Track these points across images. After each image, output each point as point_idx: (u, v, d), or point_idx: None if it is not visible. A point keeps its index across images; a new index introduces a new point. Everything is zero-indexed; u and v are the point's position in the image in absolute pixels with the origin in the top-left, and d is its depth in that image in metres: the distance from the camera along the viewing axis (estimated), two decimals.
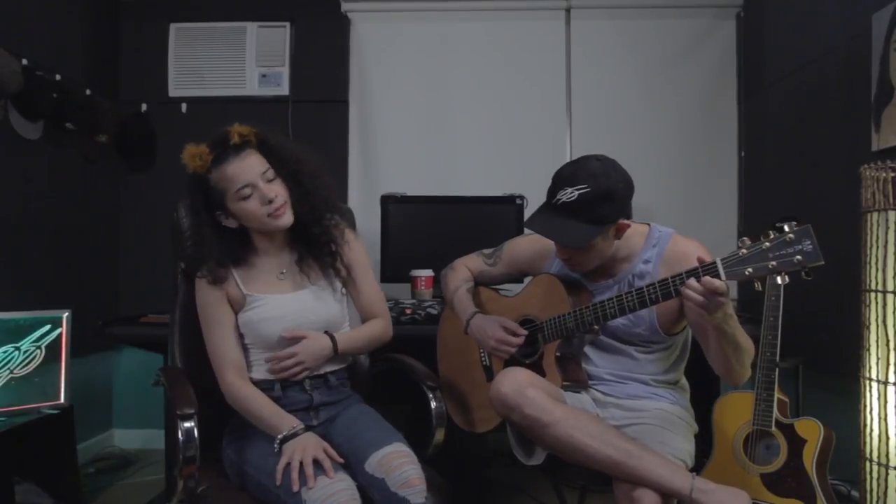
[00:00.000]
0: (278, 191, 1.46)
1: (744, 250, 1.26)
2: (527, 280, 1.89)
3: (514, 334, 1.64)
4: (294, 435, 1.33)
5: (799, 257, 1.20)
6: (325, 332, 1.52)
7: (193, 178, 1.46)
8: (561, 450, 1.41)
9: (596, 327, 1.54)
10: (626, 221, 1.51)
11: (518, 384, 1.43)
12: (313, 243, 1.55)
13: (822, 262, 1.18)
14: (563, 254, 1.56)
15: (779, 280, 1.25)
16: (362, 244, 1.66)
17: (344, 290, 1.62)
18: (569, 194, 1.44)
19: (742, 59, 3.05)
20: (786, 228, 1.22)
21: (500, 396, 1.44)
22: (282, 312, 1.49)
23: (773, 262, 1.22)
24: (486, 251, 1.88)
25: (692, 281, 1.29)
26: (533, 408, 1.40)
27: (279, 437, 1.33)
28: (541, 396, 1.42)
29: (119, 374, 3.18)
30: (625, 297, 1.45)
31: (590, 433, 1.38)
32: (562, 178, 1.49)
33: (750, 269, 1.25)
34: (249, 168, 1.44)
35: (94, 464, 2.81)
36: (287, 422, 1.37)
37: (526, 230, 1.58)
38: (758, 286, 1.28)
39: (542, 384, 1.48)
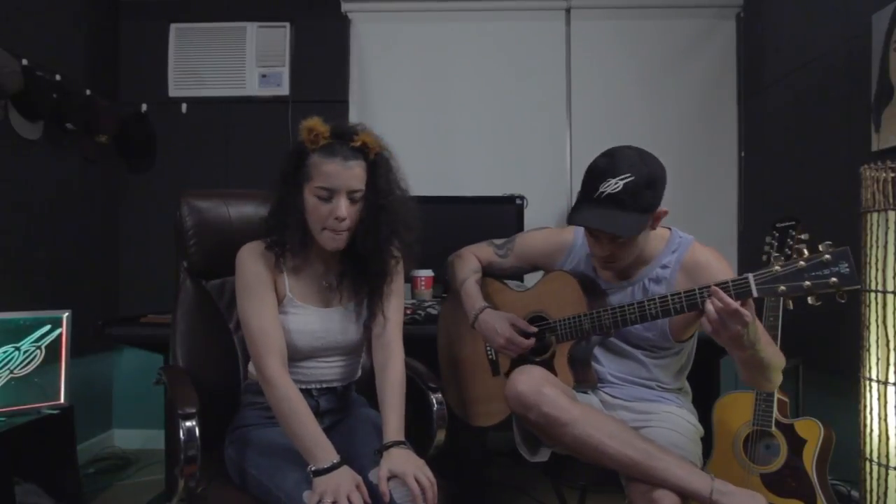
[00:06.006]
0: (351, 215, 1.39)
1: (777, 267, 1.23)
2: (527, 275, 1.88)
3: (524, 334, 1.62)
4: (329, 469, 1.26)
5: (835, 279, 1.18)
6: (401, 443, 1.36)
7: (297, 145, 1.41)
8: (579, 449, 1.39)
9: (612, 331, 1.52)
10: (664, 209, 1.48)
11: (535, 382, 1.42)
12: (365, 271, 1.49)
13: (859, 286, 1.16)
14: (603, 251, 1.49)
15: (810, 301, 1.22)
16: (402, 277, 1.57)
17: (367, 321, 1.55)
18: (613, 185, 1.40)
19: (742, 59, 3.05)
20: (821, 248, 1.20)
21: (516, 394, 1.42)
22: (315, 328, 1.46)
23: (808, 283, 1.20)
24: (497, 241, 1.84)
25: (716, 299, 1.25)
26: (551, 406, 1.38)
27: (312, 468, 1.28)
28: (558, 395, 1.40)
29: (119, 374, 3.18)
30: (647, 305, 1.42)
31: (608, 433, 1.37)
32: (600, 171, 1.43)
33: (783, 287, 1.22)
34: (346, 177, 1.37)
35: (94, 464, 2.81)
36: (325, 453, 1.29)
37: (542, 224, 1.54)
38: (790, 305, 1.25)
39: (557, 383, 1.47)
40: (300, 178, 1.40)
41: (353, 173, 1.38)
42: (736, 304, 1.24)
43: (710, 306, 1.27)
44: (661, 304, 1.40)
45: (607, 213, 1.41)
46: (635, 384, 1.59)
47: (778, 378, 1.45)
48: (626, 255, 1.50)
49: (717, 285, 1.29)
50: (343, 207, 1.38)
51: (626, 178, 1.40)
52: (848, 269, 1.17)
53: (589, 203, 1.44)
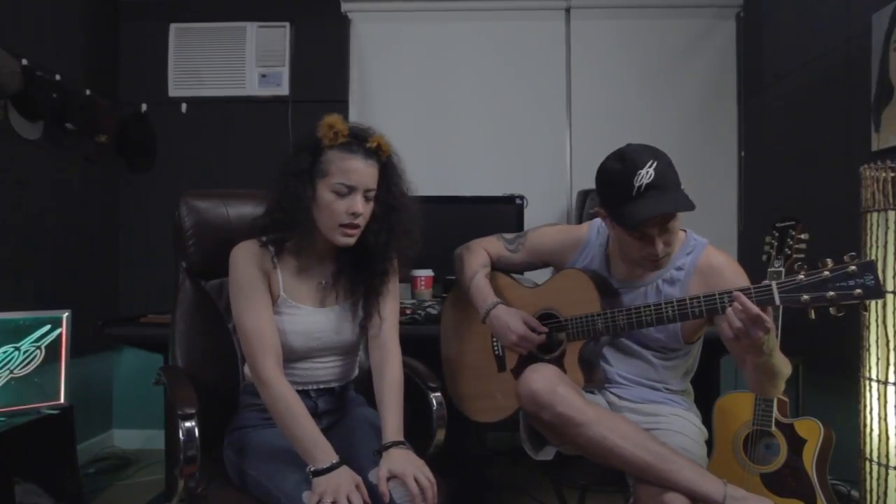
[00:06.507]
0: (366, 212, 1.42)
1: (801, 276, 1.22)
2: (530, 272, 1.87)
3: (535, 331, 1.60)
4: (329, 469, 1.26)
5: (859, 291, 1.17)
6: (400, 443, 1.36)
7: (311, 141, 1.41)
8: (592, 451, 1.38)
9: (626, 331, 1.51)
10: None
11: (550, 381, 1.40)
12: (365, 269, 1.50)
13: (884, 298, 1.15)
14: (657, 246, 1.42)
15: (832, 311, 1.21)
16: (398, 278, 1.58)
17: (363, 321, 1.54)
18: (646, 175, 1.37)
19: (742, 59, 3.05)
20: (846, 259, 1.19)
21: (530, 393, 1.40)
22: (310, 328, 1.46)
23: (832, 293, 1.19)
24: (508, 236, 1.81)
25: (738, 305, 1.24)
26: (566, 406, 1.37)
27: (311, 468, 1.27)
28: (573, 395, 1.39)
29: (119, 374, 3.18)
30: (664, 307, 1.41)
31: (622, 434, 1.35)
32: (622, 171, 1.40)
33: (806, 297, 1.21)
34: (365, 175, 1.40)
35: (94, 464, 2.81)
36: (323, 453, 1.28)
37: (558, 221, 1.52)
38: (812, 314, 1.24)
39: (570, 382, 1.45)
40: (314, 174, 1.41)
41: (370, 172, 1.41)
42: (758, 310, 1.23)
43: (731, 312, 1.25)
44: (680, 307, 1.38)
45: (661, 198, 1.38)
46: (643, 385, 1.58)
47: (782, 386, 1.45)
48: (675, 241, 1.48)
49: (739, 291, 1.28)
50: (360, 203, 1.40)
51: (652, 164, 1.38)
52: (873, 282, 1.16)
53: (634, 199, 1.39)
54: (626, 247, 1.50)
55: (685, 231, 1.58)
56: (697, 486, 1.29)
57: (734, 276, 1.47)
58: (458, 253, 1.84)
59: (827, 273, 1.20)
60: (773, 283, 1.25)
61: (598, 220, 1.65)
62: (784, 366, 1.41)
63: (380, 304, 1.51)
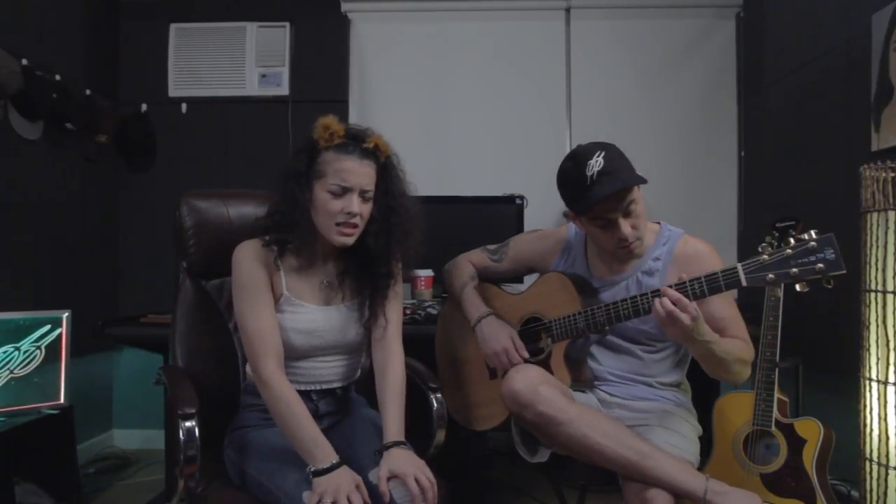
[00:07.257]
0: (363, 213, 1.42)
1: (765, 256, 1.26)
2: (525, 278, 1.88)
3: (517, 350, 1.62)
4: (329, 469, 1.26)
5: (821, 265, 1.20)
6: (401, 443, 1.36)
7: (308, 143, 1.43)
8: (575, 449, 1.40)
9: (606, 328, 1.53)
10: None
11: (531, 381, 1.42)
12: (370, 271, 1.50)
13: (844, 272, 1.18)
14: (625, 228, 1.47)
15: (798, 288, 1.25)
16: (401, 279, 1.58)
17: (367, 322, 1.54)
18: (596, 164, 1.44)
19: (742, 59, 3.05)
20: (805, 237, 1.22)
21: (512, 393, 1.43)
22: (313, 326, 1.46)
23: (795, 270, 1.23)
24: (491, 247, 1.86)
25: (665, 300, 1.31)
26: (547, 405, 1.39)
27: (311, 468, 1.27)
28: (554, 394, 1.41)
29: (119, 374, 3.18)
30: (640, 299, 1.43)
31: (604, 432, 1.37)
32: (573, 167, 1.48)
33: (771, 276, 1.25)
34: (360, 175, 1.41)
35: (94, 464, 2.81)
36: (324, 453, 1.28)
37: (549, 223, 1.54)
38: (779, 293, 1.28)
39: (554, 382, 1.47)
40: (311, 176, 1.42)
41: (366, 172, 1.42)
42: (679, 295, 1.31)
43: (657, 301, 1.33)
44: (654, 296, 1.40)
45: (613, 178, 1.43)
46: (634, 382, 1.60)
47: (742, 370, 1.47)
48: (644, 226, 1.53)
49: (707, 276, 1.32)
50: (356, 203, 1.40)
51: (600, 154, 1.46)
52: (833, 255, 1.20)
53: (589, 187, 1.45)
54: (599, 240, 1.55)
55: (659, 223, 1.62)
56: (678, 482, 1.31)
57: (708, 262, 1.49)
58: (446, 269, 1.90)
59: (789, 251, 1.24)
60: (739, 265, 1.29)
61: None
62: (729, 351, 1.42)
63: (386, 305, 1.52)
